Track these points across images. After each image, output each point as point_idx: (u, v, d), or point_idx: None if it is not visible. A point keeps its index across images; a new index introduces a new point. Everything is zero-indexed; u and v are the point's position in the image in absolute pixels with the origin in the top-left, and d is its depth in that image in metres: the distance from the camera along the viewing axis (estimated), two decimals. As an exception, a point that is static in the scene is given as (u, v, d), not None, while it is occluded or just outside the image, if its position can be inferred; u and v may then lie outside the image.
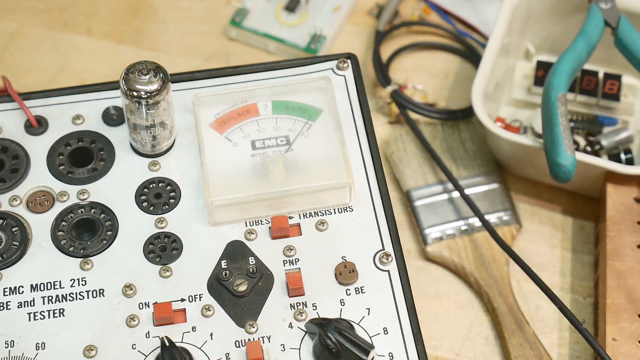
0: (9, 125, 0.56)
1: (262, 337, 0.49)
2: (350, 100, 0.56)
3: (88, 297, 0.50)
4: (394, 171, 0.65)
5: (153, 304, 0.49)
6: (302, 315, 0.49)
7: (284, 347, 0.48)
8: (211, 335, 0.49)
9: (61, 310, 0.49)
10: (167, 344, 0.47)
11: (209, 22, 0.73)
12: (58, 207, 0.53)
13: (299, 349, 0.48)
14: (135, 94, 0.51)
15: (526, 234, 0.63)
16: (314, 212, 0.53)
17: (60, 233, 0.52)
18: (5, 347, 0.48)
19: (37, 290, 0.50)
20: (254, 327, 0.49)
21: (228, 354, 0.48)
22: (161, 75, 0.51)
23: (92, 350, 0.48)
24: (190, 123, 0.56)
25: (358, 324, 0.49)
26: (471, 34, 0.73)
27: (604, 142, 0.65)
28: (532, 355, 0.57)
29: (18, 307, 0.50)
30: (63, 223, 0.52)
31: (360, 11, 0.74)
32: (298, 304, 0.50)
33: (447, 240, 0.62)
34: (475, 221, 0.62)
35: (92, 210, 0.53)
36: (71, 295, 0.50)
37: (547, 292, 0.56)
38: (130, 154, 0.55)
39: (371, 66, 0.70)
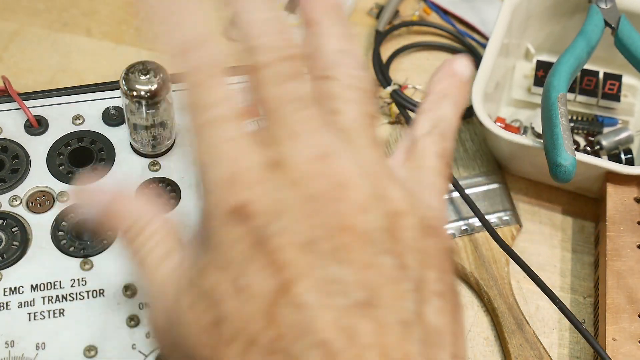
0: (9, 125, 0.56)
1: (262, 337, 0.49)
2: (350, 100, 0.56)
3: (88, 297, 0.50)
4: (394, 171, 0.65)
5: (153, 304, 0.49)
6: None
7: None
8: (211, 335, 0.49)
9: (61, 310, 0.49)
10: (167, 344, 0.47)
11: (209, 22, 0.73)
12: (58, 207, 0.53)
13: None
14: (135, 94, 0.51)
15: (526, 234, 0.63)
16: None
17: (60, 233, 0.52)
18: (5, 347, 0.48)
19: (37, 290, 0.50)
20: (254, 327, 0.49)
21: (228, 354, 0.48)
22: (161, 75, 0.51)
23: (92, 350, 0.48)
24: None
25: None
26: (471, 34, 0.73)
27: (604, 142, 0.65)
28: (532, 355, 0.57)
29: (18, 307, 0.50)
30: (63, 223, 0.52)
31: (360, 11, 0.74)
32: (298, 304, 0.49)
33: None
34: (475, 221, 0.62)
35: (92, 210, 0.53)
36: (71, 295, 0.50)
37: (547, 292, 0.56)
38: (130, 154, 0.55)
39: (371, 66, 0.70)
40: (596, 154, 0.65)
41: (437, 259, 0.37)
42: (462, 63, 0.43)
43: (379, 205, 0.36)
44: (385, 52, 0.72)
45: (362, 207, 0.36)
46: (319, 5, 0.41)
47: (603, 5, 0.63)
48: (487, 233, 0.61)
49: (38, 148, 0.55)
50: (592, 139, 0.66)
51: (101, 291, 0.50)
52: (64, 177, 0.54)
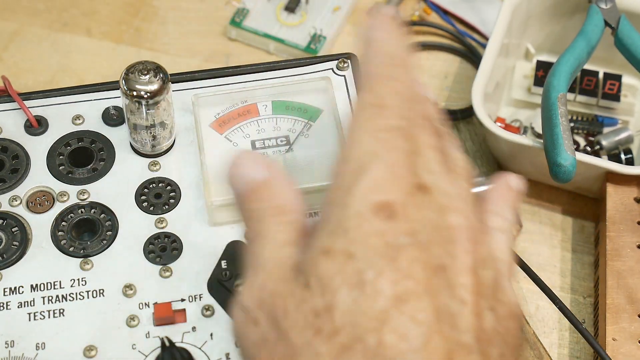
0: (9, 125, 0.56)
1: (262, 337, 0.48)
2: (350, 100, 0.56)
3: (88, 297, 0.50)
4: (394, 171, 0.65)
5: (153, 304, 0.49)
6: (302, 315, 0.49)
7: (284, 347, 0.48)
8: (211, 335, 0.49)
9: (61, 310, 0.49)
10: (167, 344, 0.47)
11: (209, 22, 0.73)
12: (58, 207, 0.53)
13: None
14: (135, 94, 0.51)
15: (526, 234, 0.63)
16: (314, 212, 0.53)
17: (60, 233, 0.52)
18: (5, 347, 0.48)
19: (37, 290, 0.50)
20: (254, 327, 0.49)
21: (228, 354, 0.48)
22: (161, 75, 0.51)
23: (92, 350, 0.48)
24: (190, 123, 0.56)
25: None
26: (471, 34, 0.73)
27: (604, 142, 0.65)
28: (532, 355, 0.57)
29: (18, 307, 0.50)
30: (63, 223, 0.52)
31: (360, 11, 0.74)
32: (298, 304, 0.49)
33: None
34: (475, 221, 0.62)
35: (92, 210, 0.53)
36: (71, 295, 0.50)
37: (547, 292, 0.56)
38: (130, 154, 0.55)
39: (371, 66, 0.70)
40: (596, 154, 0.65)
41: (513, 342, 0.37)
42: (517, 181, 0.45)
43: (492, 265, 0.37)
44: (385, 52, 0.71)
45: (484, 260, 0.36)
46: (399, 55, 0.42)
47: (603, 5, 0.63)
48: (487, 233, 0.61)
49: (38, 148, 0.55)
50: (592, 139, 0.66)
51: (101, 291, 0.50)
52: (64, 177, 0.54)
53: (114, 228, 0.52)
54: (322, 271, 0.35)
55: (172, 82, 0.56)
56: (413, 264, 0.34)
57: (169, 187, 0.54)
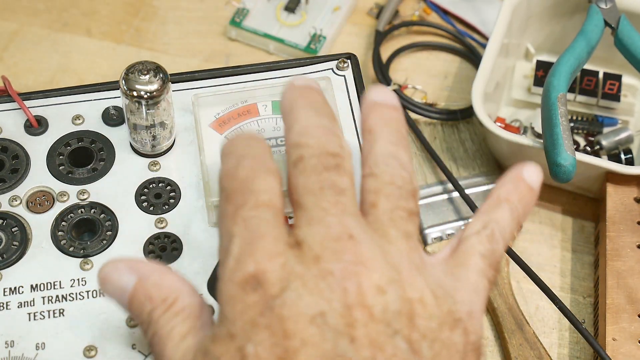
0: (9, 125, 0.56)
1: (262, 337, 0.48)
2: (350, 100, 0.56)
3: (88, 297, 0.50)
4: (394, 171, 0.65)
5: (153, 304, 0.49)
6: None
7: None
8: (211, 335, 0.49)
9: (61, 310, 0.49)
10: (167, 344, 0.47)
11: (209, 22, 0.73)
12: (58, 207, 0.53)
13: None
14: (135, 94, 0.51)
15: (526, 234, 0.63)
16: (314, 212, 0.53)
17: (60, 233, 0.52)
18: (5, 347, 0.48)
19: (37, 290, 0.50)
20: (254, 327, 0.49)
21: (228, 354, 0.48)
22: (161, 75, 0.51)
23: (92, 350, 0.48)
24: (190, 123, 0.56)
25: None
26: (471, 34, 0.73)
27: (604, 142, 0.65)
28: (532, 355, 0.57)
29: (18, 307, 0.50)
30: (63, 223, 0.52)
31: (360, 11, 0.74)
32: (298, 304, 0.49)
33: (447, 240, 0.62)
34: (475, 221, 0.62)
35: (92, 210, 0.53)
36: (71, 295, 0.50)
37: (547, 292, 0.56)
38: (130, 154, 0.55)
39: (371, 66, 0.70)
40: (596, 154, 0.65)
41: (458, 353, 0.37)
42: (532, 170, 0.43)
43: (398, 290, 0.36)
44: (385, 52, 0.72)
45: (379, 287, 0.36)
46: (380, 117, 0.42)
47: (603, 5, 0.63)
48: (487, 233, 0.61)
49: (38, 148, 0.55)
50: (592, 139, 0.66)
51: (101, 291, 0.50)
52: (64, 177, 0.54)
53: (114, 228, 0.52)
54: (213, 355, 0.36)
55: (172, 82, 0.56)
56: (288, 322, 0.35)
57: (169, 187, 0.54)
